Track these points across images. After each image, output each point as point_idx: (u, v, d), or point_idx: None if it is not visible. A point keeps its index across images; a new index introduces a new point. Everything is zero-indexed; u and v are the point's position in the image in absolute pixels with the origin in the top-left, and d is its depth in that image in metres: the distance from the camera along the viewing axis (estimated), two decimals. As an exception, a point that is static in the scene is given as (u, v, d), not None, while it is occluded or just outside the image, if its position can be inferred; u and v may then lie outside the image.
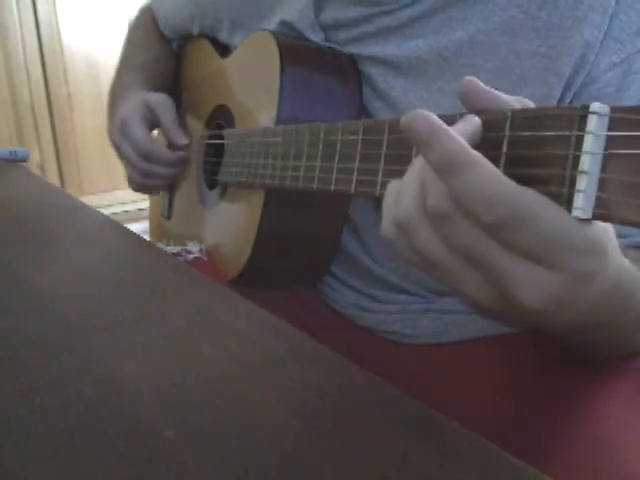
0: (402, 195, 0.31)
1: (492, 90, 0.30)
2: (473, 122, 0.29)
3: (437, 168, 0.27)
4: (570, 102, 0.48)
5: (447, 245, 0.29)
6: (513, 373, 0.54)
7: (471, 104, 0.30)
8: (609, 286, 0.30)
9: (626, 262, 0.33)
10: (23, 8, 2.34)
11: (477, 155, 0.27)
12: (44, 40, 2.40)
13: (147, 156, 0.74)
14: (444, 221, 0.28)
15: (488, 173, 0.26)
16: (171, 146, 0.76)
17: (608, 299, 0.31)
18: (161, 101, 0.75)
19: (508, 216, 0.26)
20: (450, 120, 0.31)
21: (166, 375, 0.35)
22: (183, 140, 0.75)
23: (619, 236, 0.45)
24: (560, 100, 0.48)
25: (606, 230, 0.28)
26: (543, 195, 0.26)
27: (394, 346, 0.62)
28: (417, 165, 0.31)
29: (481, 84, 0.30)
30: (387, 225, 0.32)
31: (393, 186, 0.32)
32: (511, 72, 0.49)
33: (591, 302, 0.30)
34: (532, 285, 0.27)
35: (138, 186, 0.80)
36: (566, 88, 0.48)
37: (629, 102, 0.47)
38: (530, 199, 0.26)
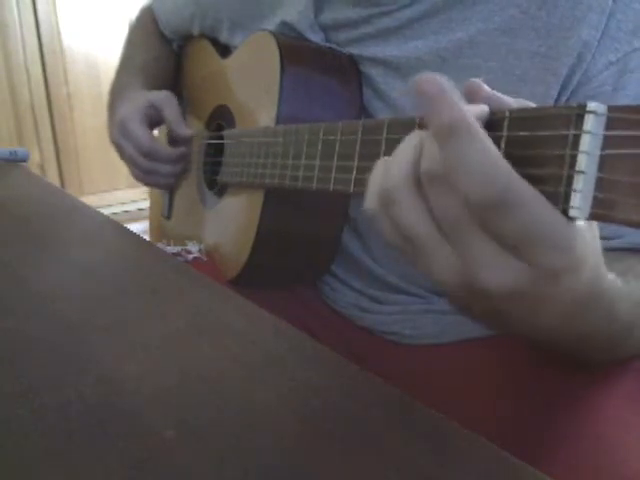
0: (392, 165, 0.30)
1: (495, 92, 0.30)
2: (481, 107, 0.29)
3: (439, 132, 0.27)
4: (567, 101, 0.48)
5: (429, 215, 0.29)
6: (513, 373, 0.54)
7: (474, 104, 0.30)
8: (583, 293, 0.30)
9: (610, 276, 0.34)
10: (23, 8, 2.34)
11: (481, 130, 0.26)
12: (44, 40, 2.40)
13: (149, 154, 0.74)
14: (432, 186, 0.28)
15: (489, 150, 0.26)
16: (175, 140, 0.77)
17: (584, 309, 0.32)
18: (164, 97, 0.76)
19: (497, 198, 0.26)
20: None
21: (166, 375, 0.35)
22: (188, 132, 0.76)
23: (612, 237, 0.46)
24: (557, 99, 0.48)
25: (586, 243, 0.28)
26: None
27: (394, 346, 0.62)
28: (413, 138, 0.30)
29: (485, 86, 0.30)
30: (370, 197, 0.32)
31: (380, 163, 0.32)
32: (511, 72, 0.49)
33: (559, 303, 0.30)
34: (498, 271, 0.27)
35: (142, 182, 0.81)
36: (563, 87, 0.48)
37: (625, 101, 0.47)
38: (523, 187, 0.26)
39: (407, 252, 0.31)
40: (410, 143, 0.30)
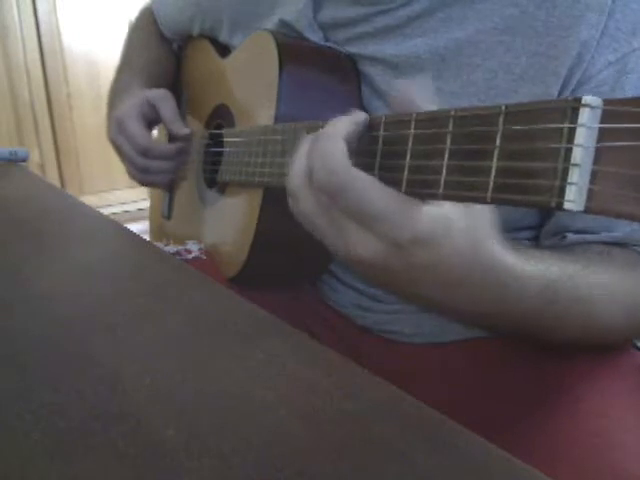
0: (292, 169, 0.37)
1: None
2: (358, 115, 0.36)
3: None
4: None
5: (320, 208, 0.36)
6: (514, 372, 0.54)
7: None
8: (459, 267, 0.34)
9: (510, 257, 0.37)
10: (23, 8, 2.33)
11: (338, 135, 0.34)
12: (44, 40, 2.40)
13: (145, 152, 0.73)
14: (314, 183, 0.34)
15: (336, 149, 0.33)
16: (172, 138, 0.76)
17: (466, 282, 0.36)
18: (161, 95, 0.75)
19: (337, 186, 0.33)
20: (444, 116, 0.31)
21: (166, 375, 0.35)
22: (184, 130, 0.75)
23: (599, 231, 0.46)
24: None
25: (447, 223, 0.32)
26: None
27: (394, 346, 0.62)
28: (304, 146, 0.37)
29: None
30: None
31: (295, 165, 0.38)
32: (510, 71, 0.49)
33: (430, 274, 0.35)
34: (360, 245, 0.34)
35: (138, 181, 0.80)
36: (563, 86, 0.48)
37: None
38: (358, 176, 0.32)
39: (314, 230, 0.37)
40: (301, 151, 0.37)
